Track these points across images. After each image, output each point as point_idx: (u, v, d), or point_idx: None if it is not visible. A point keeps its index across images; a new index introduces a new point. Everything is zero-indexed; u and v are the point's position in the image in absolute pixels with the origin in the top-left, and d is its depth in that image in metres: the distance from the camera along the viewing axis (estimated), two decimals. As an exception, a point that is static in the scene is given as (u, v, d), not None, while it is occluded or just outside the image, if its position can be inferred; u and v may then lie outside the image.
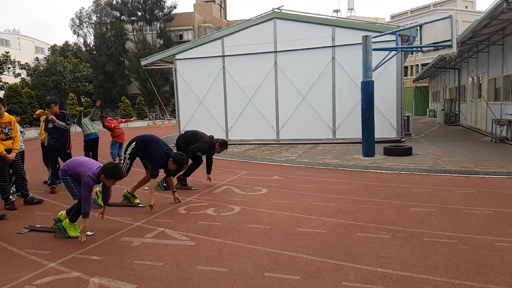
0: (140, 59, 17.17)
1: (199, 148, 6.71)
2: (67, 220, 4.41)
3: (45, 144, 7.20)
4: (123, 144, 10.86)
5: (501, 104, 12.71)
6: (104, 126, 10.51)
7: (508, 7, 8.40)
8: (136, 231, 4.53)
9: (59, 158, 7.22)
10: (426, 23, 10.01)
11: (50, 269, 3.49)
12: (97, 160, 9.86)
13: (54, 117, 6.90)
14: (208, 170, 7.10)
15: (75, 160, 4.58)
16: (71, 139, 7.51)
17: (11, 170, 5.97)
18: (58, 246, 4.08)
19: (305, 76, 13.80)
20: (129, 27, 52.35)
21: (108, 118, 10.81)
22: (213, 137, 6.95)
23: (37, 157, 8.08)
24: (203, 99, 15.12)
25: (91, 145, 9.40)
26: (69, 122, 7.17)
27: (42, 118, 7.66)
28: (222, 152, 7.19)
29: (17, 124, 5.94)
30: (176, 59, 15.42)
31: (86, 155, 9.41)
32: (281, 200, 5.75)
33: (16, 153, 5.81)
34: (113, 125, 10.54)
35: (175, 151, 6.00)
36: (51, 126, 6.96)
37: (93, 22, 53.73)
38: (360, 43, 10.05)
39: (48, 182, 7.21)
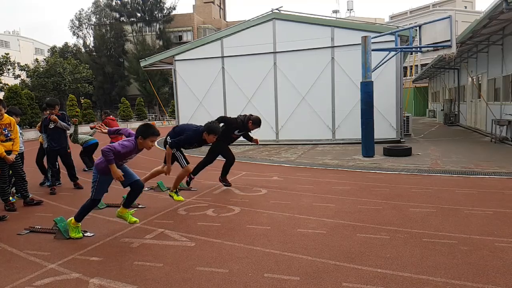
0: (140, 60, 17.19)
1: (230, 122, 6.70)
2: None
3: (44, 146, 7.17)
4: None
5: (501, 104, 12.72)
6: (102, 122, 10.65)
7: (508, 7, 8.41)
8: (136, 232, 4.52)
9: (58, 159, 7.25)
10: (425, 23, 10.03)
11: (50, 270, 3.49)
12: (92, 163, 9.88)
13: (56, 117, 6.89)
14: (250, 139, 7.11)
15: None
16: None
17: (10, 171, 5.97)
18: (58, 247, 4.08)
19: (304, 77, 13.81)
20: (128, 28, 52.36)
21: (110, 116, 10.80)
22: (246, 116, 6.88)
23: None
24: (202, 100, 15.13)
25: (90, 151, 9.40)
26: (69, 123, 7.18)
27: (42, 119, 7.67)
28: (255, 130, 6.92)
29: (17, 126, 5.93)
30: (175, 60, 15.43)
31: (83, 158, 9.46)
32: (281, 201, 5.74)
33: (16, 155, 5.80)
34: (107, 128, 10.56)
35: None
36: (52, 126, 6.93)
37: (92, 23, 53.74)
38: (360, 44, 10.06)
39: (48, 183, 7.19)
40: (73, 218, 4.34)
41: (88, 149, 9.40)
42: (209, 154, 6.87)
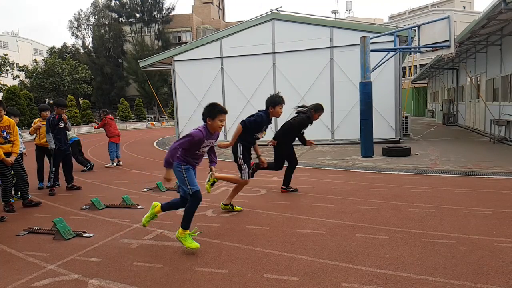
0: (139, 61, 17.20)
1: (299, 123, 6.15)
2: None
3: (51, 147, 7.10)
4: (119, 146, 10.87)
5: (500, 104, 12.74)
6: (100, 120, 10.76)
7: (506, 7, 8.43)
8: (135, 232, 4.52)
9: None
10: (424, 23, 10.04)
11: (49, 271, 3.48)
12: (88, 161, 9.87)
13: (66, 116, 7.23)
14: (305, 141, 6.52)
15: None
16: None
17: (11, 172, 5.96)
18: (57, 248, 4.07)
19: (303, 77, 13.82)
20: (127, 28, 52.32)
21: (109, 115, 10.79)
22: (305, 108, 6.35)
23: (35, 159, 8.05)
24: (201, 100, 15.12)
25: (73, 149, 9.35)
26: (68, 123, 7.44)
27: (36, 121, 7.65)
28: (320, 117, 6.39)
29: (16, 127, 5.90)
30: (174, 61, 15.43)
31: (78, 159, 9.48)
32: (280, 201, 5.74)
33: (17, 156, 5.79)
34: (100, 125, 10.64)
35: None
36: (62, 126, 7.15)
37: (91, 24, 53.70)
38: (358, 44, 10.07)
39: (48, 184, 7.18)
40: (180, 228, 3.89)
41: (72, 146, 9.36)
42: (277, 159, 6.33)
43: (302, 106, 6.41)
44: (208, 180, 4.98)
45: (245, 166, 5.20)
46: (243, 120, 5.19)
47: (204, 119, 3.87)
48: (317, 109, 6.25)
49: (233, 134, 5.19)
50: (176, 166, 3.86)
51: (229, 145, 5.23)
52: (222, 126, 3.91)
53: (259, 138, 5.39)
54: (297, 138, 6.41)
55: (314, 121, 6.33)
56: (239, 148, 5.18)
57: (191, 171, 3.92)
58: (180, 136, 4.45)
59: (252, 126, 5.17)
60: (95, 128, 11.24)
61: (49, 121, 7.02)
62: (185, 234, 3.84)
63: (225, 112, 3.89)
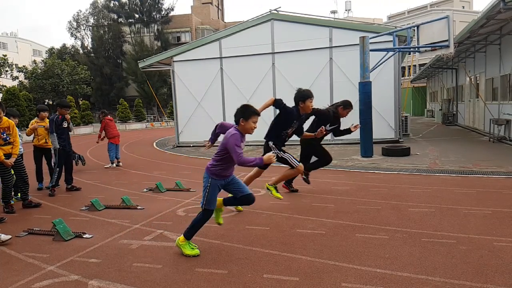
0: (138, 61, 17.19)
1: (323, 114, 5.94)
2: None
3: (56, 147, 7.12)
4: (119, 146, 10.87)
5: (499, 104, 12.75)
6: (100, 122, 10.70)
7: (505, 7, 8.43)
8: (135, 233, 4.52)
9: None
10: (423, 23, 10.05)
11: (49, 272, 3.48)
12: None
13: (69, 117, 7.37)
14: (346, 132, 6.35)
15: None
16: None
17: (12, 172, 5.95)
18: (57, 249, 4.07)
19: (302, 77, 13.79)
20: (126, 29, 52.33)
21: (108, 117, 10.79)
22: (333, 105, 6.24)
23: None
24: (201, 100, 15.13)
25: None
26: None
27: (33, 122, 7.63)
28: (348, 113, 6.25)
29: (16, 128, 5.89)
30: (173, 61, 15.42)
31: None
32: (280, 202, 5.74)
33: (17, 157, 5.77)
34: (101, 131, 10.58)
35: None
36: (66, 125, 7.26)
37: (90, 24, 53.74)
38: (358, 44, 10.07)
39: (50, 185, 7.16)
40: (182, 235, 3.85)
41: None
42: (302, 156, 6.22)
43: (336, 103, 6.29)
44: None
45: (287, 154, 5.17)
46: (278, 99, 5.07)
47: (237, 121, 3.75)
48: (346, 106, 6.12)
49: (262, 105, 4.93)
50: (206, 177, 3.81)
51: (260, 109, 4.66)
52: (255, 128, 3.79)
53: (288, 135, 5.31)
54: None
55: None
56: (271, 145, 5.20)
57: (216, 188, 3.81)
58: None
59: (282, 106, 5.06)
60: (100, 138, 10.75)
61: (53, 121, 7.07)
62: (186, 243, 3.80)
63: (259, 114, 3.81)
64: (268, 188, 5.48)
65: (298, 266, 3.39)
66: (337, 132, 6.38)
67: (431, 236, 4.00)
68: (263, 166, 4.18)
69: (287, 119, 5.18)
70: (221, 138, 4.01)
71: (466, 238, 3.91)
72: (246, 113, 3.71)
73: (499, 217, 4.53)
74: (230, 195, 4.11)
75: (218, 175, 3.80)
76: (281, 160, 5.18)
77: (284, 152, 5.22)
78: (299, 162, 5.25)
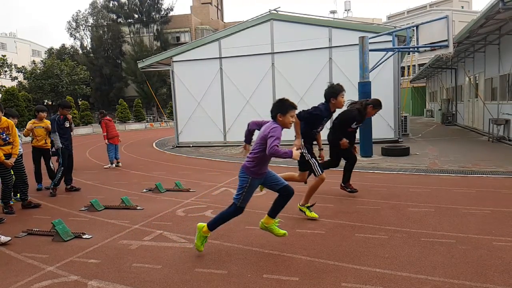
0: (137, 62, 17.17)
1: (347, 117, 5.80)
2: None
3: (58, 146, 7.12)
4: (118, 147, 10.87)
5: (498, 103, 12.76)
6: (100, 123, 10.70)
7: (504, 7, 8.44)
8: (134, 234, 4.52)
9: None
10: (422, 23, 10.06)
11: (48, 273, 3.48)
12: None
13: (71, 116, 7.42)
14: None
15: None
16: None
17: (12, 172, 5.95)
18: (56, 250, 4.07)
19: (302, 77, 13.81)
20: (126, 29, 52.30)
21: (107, 117, 10.79)
22: (360, 102, 5.99)
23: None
24: (200, 101, 15.12)
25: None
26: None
27: (31, 122, 7.61)
28: (376, 113, 6.06)
29: (15, 128, 5.88)
30: (173, 61, 15.41)
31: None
32: (280, 202, 5.72)
33: (18, 157, 5.77)
34: (105, 131, 10.54)
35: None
36: (67, 125, 7.31)
37: (89, 24, 53.70)
38: (357, 44, 10.08)
39: (52, 184, 7.15)
40: (205, 224, 3.79)
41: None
42: (332, 156, 5.99)
43: (366, 100, 6.09)
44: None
45: (313, 160, 4.97)
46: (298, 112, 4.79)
47: (274, 116, 3.69)
48: (376, 105, 5.89)
49: (295, 130, 4.80)
50: (242, 174, 3.73)
51: (299, 144, 4.80)
52: (293, 122, 3.72)
53: (319, 132, 5.18)
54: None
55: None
56: (301, 144, 4.98)
57: (254, 186, 3.77)
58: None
59: (307, 116, 4.87)
60: (106, 138, 10.64)
61: (55, 121, 7.10)
62: (203, 237, 3.76)
63: (295, 107, 3.70)
64: (301, 210, 5.07)
65: (298, 266, 3.39)
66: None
67: (431, 235, 4.01)
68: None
69: (317, 119, 5.06)
70: (254, 136, 3.90)
71: (466, 237, 3.91)
72: (284, 108, 3.63)
73: (498, 217, 4.53)
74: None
75: (258, 174, 3.75)
76: (304, 162, 5.01)
77: (312, 155, 5.01)
78: (322, 171, 5.01)
